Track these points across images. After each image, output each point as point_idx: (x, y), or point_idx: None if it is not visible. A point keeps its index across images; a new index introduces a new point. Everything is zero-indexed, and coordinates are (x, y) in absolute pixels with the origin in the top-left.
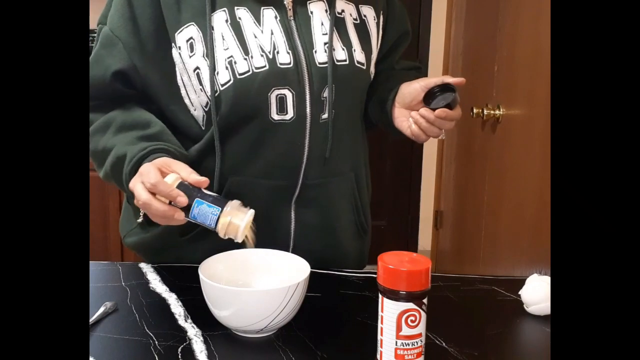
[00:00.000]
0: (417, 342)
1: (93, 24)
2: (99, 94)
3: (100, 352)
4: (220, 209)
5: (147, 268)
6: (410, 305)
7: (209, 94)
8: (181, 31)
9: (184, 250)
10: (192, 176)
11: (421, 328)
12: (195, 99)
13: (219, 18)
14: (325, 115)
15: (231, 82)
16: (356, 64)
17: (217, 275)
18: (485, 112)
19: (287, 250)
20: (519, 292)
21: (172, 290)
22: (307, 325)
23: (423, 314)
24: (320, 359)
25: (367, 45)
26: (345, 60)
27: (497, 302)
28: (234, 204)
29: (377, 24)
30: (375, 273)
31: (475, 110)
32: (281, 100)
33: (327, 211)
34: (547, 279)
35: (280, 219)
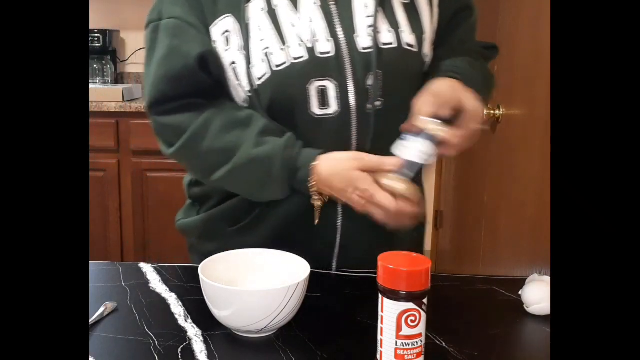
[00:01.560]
0: (417, 342)
1: (93, 24)
2: (186, 89)
3: (100, 352)
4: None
5: (147, 268)
6: (410, 305)
7: (246, 89)
8: (216, 24)
9: (231, 240)
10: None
11: (421, 328)
12: (235, 95)
13: (255, 7)
14: (370, 106)
15: (268, 75)
16: (404, 46)
17: (217, 275)
18: (485, 112)
19: (334, 247)
20: (519, 292)
21: (172, 290)
22: (307, 325)
23: (423, 314)
24: (320, 359)
25: (417, 26)
26: (391, 43)
27: (497, 302)
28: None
29: (430, 2)
30: (375, 273)
31: None
32: (322, 93)
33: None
34: (547, 279)
35: (326, 214)
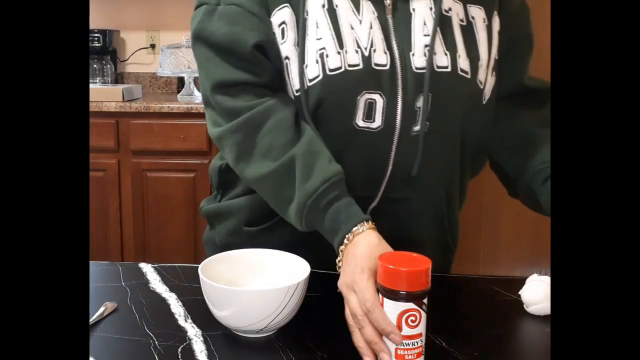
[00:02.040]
0: (417, 342)
1: (93, 24)
2: (249, 76)
3: (100, 352)
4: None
5: (147, 268)
6: (411, 305)
7: (296, 87)
8: (274, 14)
9: (247, 239)
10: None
11: (421, 328)
12: (287, 90)
13: (315, 1)
14: (417, 128)
15: (320, 77)
16: (459, 71)
17: (217, 275)
18: None
19: None
20: (519, 292)
21: (172, 290)
22: (307, 326)
23: (423, 314)
24: (320, 359)
25: (473, 51)
26: (447, 67)
27: (497, 302)
28: None
29: (488, 27)
30: None
31: None
32: (370, 106)
33: (406, 226)
34: (547, 279)
35: None
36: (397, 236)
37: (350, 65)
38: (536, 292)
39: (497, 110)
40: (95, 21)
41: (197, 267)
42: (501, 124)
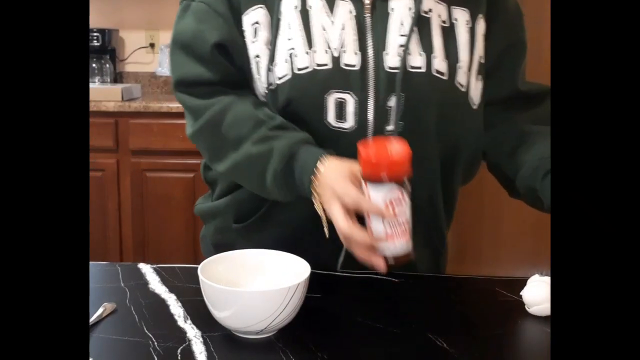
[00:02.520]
0: (402, 221)
1: (92, 23)
2: (210, 75)
3: (100, 353)
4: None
5: (146, 269)
6: (394, 189)
7: (265, 85)
8: (248, 13)
9: (238, 236)
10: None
11: (405, 210)
12: (256, 89)
13: (289, 3)
14: (390, 127)
15: (288, 77)
16: (434, 72)
17: (216, 276)
18: None
19: (338, 257)
20: (521, 293)
21: (171, 291)
22: (307, 326)
23: (406, 197)
24: (320, 359)
25: (452, 53)
26: (420, 68)
27: (498, 302)
28: None
29: (471, 29)
30: (375, 273)
31: None
32: (340, 105)
33: None
34: (548, 280)
35: (332, 232)
36: None
37: (318, 65)
38: (538, 293)
39: (492, 114)
40: (94, 20)
41: (197, 267)
42: (496, 127)
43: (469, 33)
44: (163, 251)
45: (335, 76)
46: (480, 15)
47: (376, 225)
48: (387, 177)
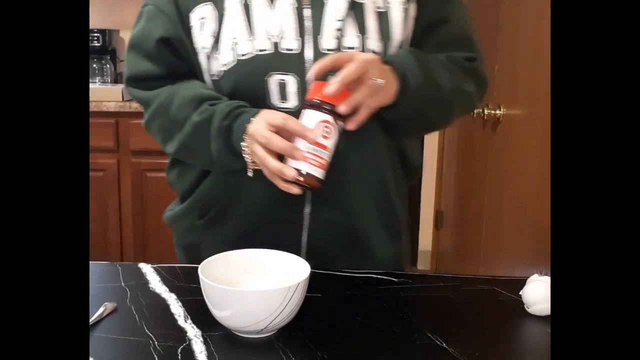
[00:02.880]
0: (324, 153)
1: (93, 23)
2: (158, 70)
3: (100, 352)
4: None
5: (146, 268)
6: (328, 117)
7: (212, 73)
8: (195, 10)
9: (203, 233)
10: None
11: (331, 143)
12: (205, 80)
13: None
14: None
15: (232, 63)
16: (368, 52)
17: (217, 275)
18: (486, 112)
19: (299, 247)
20: (520, 293)
21: (172, 290)
22: (307, 326)
23: (336, 131)
24: (320, 359)
25: (387, 34)
26: (355, 48)
27: (498, 302)
28: None
29: (405, 10)
30: (375, 273)
31: (475, 110)
32: (282, 86)
33: (347, 212)
34: (547, 280)
35: (292, 216)
36: (339, 221)
37: (259, 50)
38: (537, 293)
39: None
40: (95, 21)
41: (197, 267)
42: None
43: (403, 14)
44: (163, 251)
45: (275, 59)
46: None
47: (300, 145)
48: (320, 100)
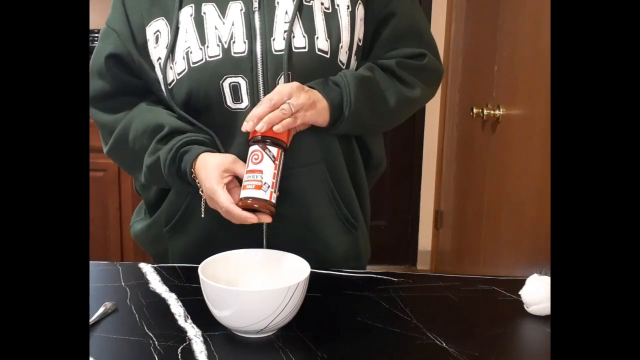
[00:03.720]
0: (257, 176)
1: (93, 24)
2: (112, 86)
3: (100, 352)
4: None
5: (147, 268)
6: (255, 147)
7: (167, 81)
8: (151, 24)
9: (169, 241)
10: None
11: (263, 167)
12: (160, 90)
13: (185, 13)
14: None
15: (185, 70)
16: (317, 51)
17: (217, 275)
18: (485, 112)
19: (261, 245)
20: (519, 292)
21: (172, 290)
22: (307, 326)
23: (266, 156)
24: (320, 359)
25: (334, 34)
26: (304, 48)
27: (498, 302)
28: None
29: (352, 12)
30: (375, 273)
31: (475, 110)
32: (235, 89)
33: (300, 202)
34: (547, 279)
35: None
36: (293, 213)
37: (210, 57)
38: (536, 292)
39: None
40: (95, 21)
41: (197, 267)
42: None
43: (350, 17)
44: None
45: (226, 63)
46: (359, 2)
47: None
48: (253, 136)
